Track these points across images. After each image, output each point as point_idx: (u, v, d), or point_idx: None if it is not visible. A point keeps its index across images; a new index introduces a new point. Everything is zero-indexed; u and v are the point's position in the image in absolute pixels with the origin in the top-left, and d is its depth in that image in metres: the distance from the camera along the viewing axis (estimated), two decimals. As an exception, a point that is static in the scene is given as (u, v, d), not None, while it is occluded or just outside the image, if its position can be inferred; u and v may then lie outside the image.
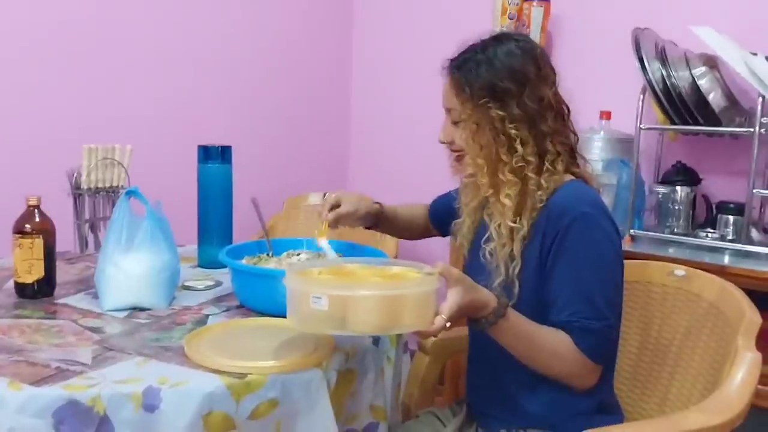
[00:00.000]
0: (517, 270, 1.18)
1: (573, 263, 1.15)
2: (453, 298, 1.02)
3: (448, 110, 1.27)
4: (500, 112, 1.18)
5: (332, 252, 1.43)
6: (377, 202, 1.53)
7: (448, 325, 1.01)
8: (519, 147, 1.18)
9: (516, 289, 1.18)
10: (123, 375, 0.99)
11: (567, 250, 1.15)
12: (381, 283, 1.02)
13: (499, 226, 1.21)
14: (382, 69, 3.03)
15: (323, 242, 1.44)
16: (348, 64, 3.09)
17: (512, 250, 1.18)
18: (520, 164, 1.18)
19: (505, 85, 1.18)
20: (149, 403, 0.93)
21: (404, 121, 2.95)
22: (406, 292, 0.98)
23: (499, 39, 1.23)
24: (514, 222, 1.19)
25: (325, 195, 1.52)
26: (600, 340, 1.14)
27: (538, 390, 1.20)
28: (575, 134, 1.26)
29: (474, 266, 1.26)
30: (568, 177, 1.22)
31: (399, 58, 2.96)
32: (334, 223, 1.46)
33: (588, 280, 1.14)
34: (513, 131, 1.18)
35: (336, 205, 1.46)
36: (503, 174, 1.19)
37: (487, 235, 1.23)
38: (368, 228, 1.56)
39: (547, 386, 1.18)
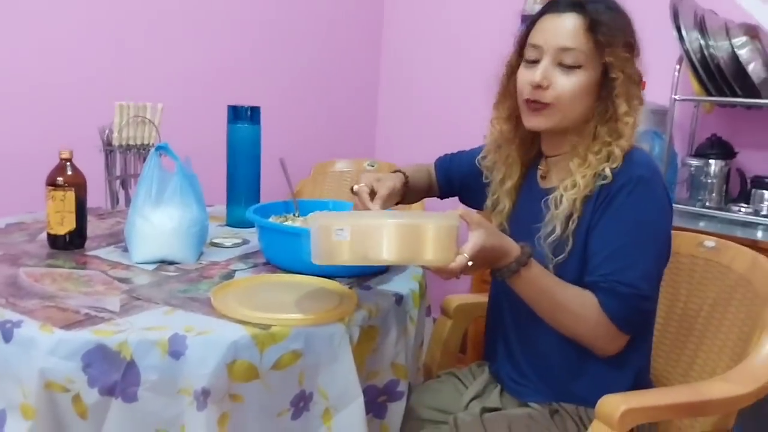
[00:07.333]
0: (573, 226, 1.13)
1: (616, 224, 1.10)
2: (475, 239, 1.01)
3: (564, 50, 1.13)
4: (628, 69, 1.13)
5: None
6: (398, 171, 1.40)
7: (470, 263, 0.99)
8: (631, 105, 1.14)
9: (569, 246, 1.14)
10: (150, 323, 1.01)
11: (614, 209, 1.10)
12: (402, 213, 1.00)
13: (585, 176, 1.13)
14: (410, 37, 3.00)
15: None
16: (378, 31, 3.07)
17: (573, 205, 1.13)
18: (627, 121, 1.13)
19: (633, 39, 1.15)
20: (175, 350, 0.95)
21: (431, 88, 2.94)
22: (427, 223, 0.96)
23: None
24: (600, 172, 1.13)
25: (353, 189, 1.33)
26: (627, 307, 1.09)
27: (580, 365, 1.17)
28: None
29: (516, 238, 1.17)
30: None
31: (428, 27, 2.93)
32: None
33: (628, 244, 1.09)
34: (633, 89, 1.14)
35: (372, 193, 1.32)
36: (607, 125, 1.14)
37: (565, 183, 1.15)
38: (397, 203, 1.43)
39: (589, 361, 1.15)
